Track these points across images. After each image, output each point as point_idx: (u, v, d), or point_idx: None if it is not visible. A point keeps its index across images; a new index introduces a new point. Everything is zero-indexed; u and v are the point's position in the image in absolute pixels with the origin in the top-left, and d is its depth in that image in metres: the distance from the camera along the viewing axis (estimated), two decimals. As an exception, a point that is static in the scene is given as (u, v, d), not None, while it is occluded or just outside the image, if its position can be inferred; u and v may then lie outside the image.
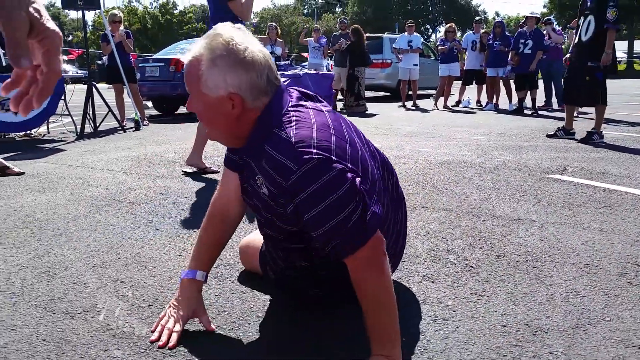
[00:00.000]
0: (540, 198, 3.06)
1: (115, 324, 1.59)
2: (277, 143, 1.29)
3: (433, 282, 1.89)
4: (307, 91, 1.53)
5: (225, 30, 1.35)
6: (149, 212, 2.85)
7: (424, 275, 1.95)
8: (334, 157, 1.27)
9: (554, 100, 9.57)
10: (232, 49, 1.32)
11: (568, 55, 5.61)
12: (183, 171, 3.96)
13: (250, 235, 2.03)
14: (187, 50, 1.38)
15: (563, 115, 8.24)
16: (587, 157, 4.37)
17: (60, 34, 0.76)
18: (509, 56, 9.07)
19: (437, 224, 2.58)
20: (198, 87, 1.34)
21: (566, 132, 5.47)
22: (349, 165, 1.30)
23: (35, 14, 0.74)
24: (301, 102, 1.43)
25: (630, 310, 1.65)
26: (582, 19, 5.22)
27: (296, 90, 1.49)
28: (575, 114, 7.88)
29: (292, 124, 1.32)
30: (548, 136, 5.59)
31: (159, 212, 2.85)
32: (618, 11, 4.97)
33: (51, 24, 0.76)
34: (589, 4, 5.15)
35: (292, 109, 1.38)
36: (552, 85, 9.51)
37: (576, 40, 5.31)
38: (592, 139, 5.22)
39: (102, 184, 3.59)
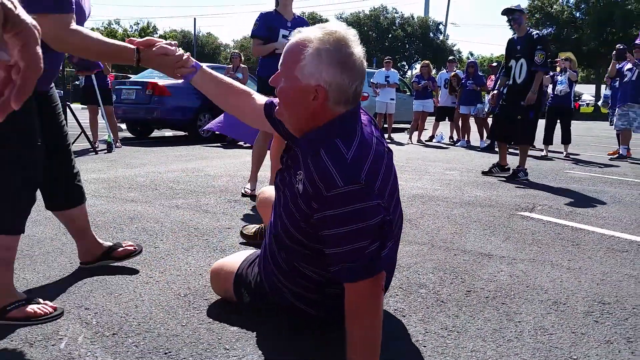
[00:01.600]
0: (509, 235, 3.10)
1: (77, 352, 1.53)
2: (333, 153, 1.33)
3: (404, 316, 1.89)
4: (373, 118, 1.60)
5: (342, 29, 1.40)
6: (117, 237, 2.78)
7: (395, 309, 1.94)
8: (376, 190, 1.34)
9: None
10: (341, 48, 1.37)
11: (494, 93, 5.84)
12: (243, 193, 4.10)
13: (224, 259, 2.00)
14: (298, 32, 1.43)
15: (534, 153, 8.48)
16: (556, 196, 4.47)
17: (38, 27, 0.66)
18: (490, 95, 9.31)
19: (410, 257, 2.59)
20: (293, 68, 1.39)
21: (501, 168, 5.58)
22: (385, 202, 1.37)
23: (9, 5, 0.63)
24: (371, 127, 1.50)
25: (597, 348, 1.67)
26: (513, 62, 5.41)
27: (367, 114, 1.57)
28: (544, 153, 8.13)
29: (354, 143, 1.37)
30: (484, 173, 5.64)
31: (127, 237, 2.78)
32: (546, 55, 5.21)
33: (27, 17, 0.65)
34: (518, 47, 5.36)
35: (361, 129, 1.42)
36: None
37: (510, 82, 5.47)
38: (518, 176, 5.38)
39: (71, 206, 3.50)
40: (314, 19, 57.12)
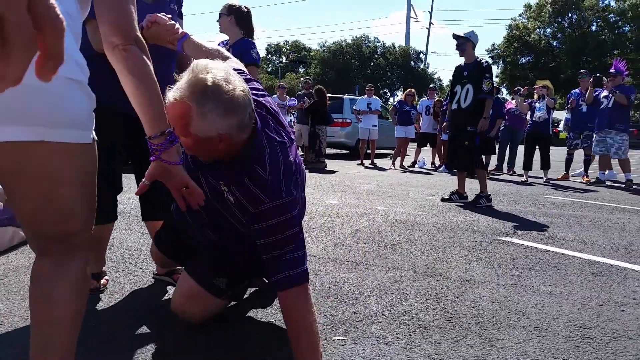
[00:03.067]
0: (491, 260, 3.12)
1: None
2: (256, 180, 1.53)
3: (387, 343, 1.87)
4: (271, 107, 1.68)
5: (209, 76, 1.33)
6: (96, 265, 2.73)
7: (377, 337, 1.92)
8: (294, 194, 1.57)
9: (505, 165, 9.99)
10: (219, 98, 1.32)
11: (445, 124, 5.90)
12: None
13: (175, 289, 1.99)
14: (168, 90, 1.36)
15: (513, 178, 8.60)
16: (536, 221, 4.52)
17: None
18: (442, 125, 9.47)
19: (392, 283, 2.58)
20: (187, 128, 1.36)
21: (460, 196, 5.59)
22: (299, 207, 1.61)
23: None
24: (269, 121, 1.62)
25: (579, 374, 1.66)
26: (458, 87, 5.44)
27: (262, 112, 1.61)
28: (524, 178, 8.24)
29: (266, 161, 1.53)
30: (443, 200, 5.62)
31: (105, 266, 2.73)
32: (492, 82, 5.29)
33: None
34: (465, 73, 5.40)
35: (268, 146, 1.55)
36: (509, 151, 9.90)
37: (454, 107, 5.47)
38: (480, 202, 5.32)
39: (48, 234, 3.43)
40: (297, 48, 57.86)
